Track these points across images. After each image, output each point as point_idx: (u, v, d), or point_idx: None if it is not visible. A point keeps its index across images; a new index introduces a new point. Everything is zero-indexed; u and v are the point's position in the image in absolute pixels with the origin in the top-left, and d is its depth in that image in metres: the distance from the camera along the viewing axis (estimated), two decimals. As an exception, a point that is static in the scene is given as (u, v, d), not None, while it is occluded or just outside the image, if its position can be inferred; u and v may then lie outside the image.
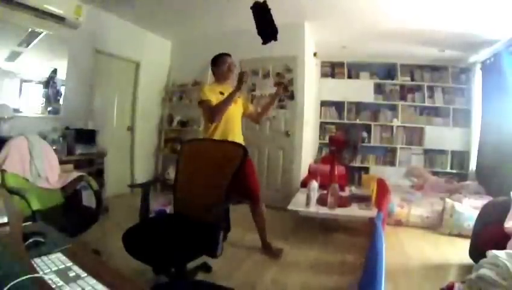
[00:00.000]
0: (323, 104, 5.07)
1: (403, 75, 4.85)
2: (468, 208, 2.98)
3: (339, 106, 5.02)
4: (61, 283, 0.65)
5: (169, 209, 3.01)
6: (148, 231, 1.57)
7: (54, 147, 2.50)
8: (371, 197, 2.93)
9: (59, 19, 2.99)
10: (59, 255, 0.79)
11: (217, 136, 2.18)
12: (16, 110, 2.80)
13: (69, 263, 0.75)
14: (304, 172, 3.84)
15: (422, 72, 4.83)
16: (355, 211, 2.68)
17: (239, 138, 2.25)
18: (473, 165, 4.37)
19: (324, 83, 5.03)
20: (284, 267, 2.20)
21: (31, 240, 0.83)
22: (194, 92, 4.39)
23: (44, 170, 2.15)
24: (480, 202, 2.81)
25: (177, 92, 4.66)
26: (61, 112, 3.28)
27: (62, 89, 3.28)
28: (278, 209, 3.05)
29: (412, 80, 4.85)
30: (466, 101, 4.61)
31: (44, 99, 3.14)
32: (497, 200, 2.34)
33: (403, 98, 4.85)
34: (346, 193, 3.18)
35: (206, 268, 2.00)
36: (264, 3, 2.38)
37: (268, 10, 2.40)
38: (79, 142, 3.11)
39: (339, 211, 2.60)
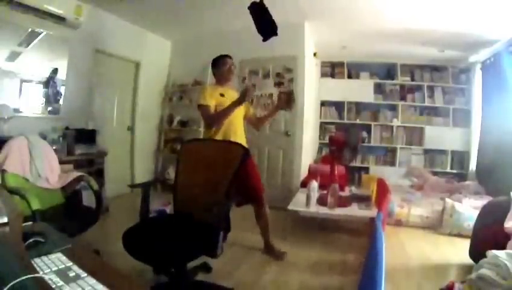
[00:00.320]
0: (323, 104, 5.07)
1: (403, 75, 4.85)
2: (468, 208, 2.98)
3: (339, 106, 5.02)
4: (61, 283, 0.65)
5: (169, 209, 3.02)
6: (148, 231, 1.57)
7: (54, 147, 2.49)
8: (371, 197, 2.93)
9: (59, 19, 2.99)
10: (59, 255, 0.79)
11: (218, 137, 2.16)
12: (16, 110, 2.80)
13: (69, 263, 0.75)
14: (304, 172, 3.84)
15: (422, 72, 4.83)
16: (355, 211, 2.68)
17: (241, 139, 2.22)
18: (473, 165, 4.37)
19: (324, 83, 5.03)
20: (284, 267, 2.20)
21: (31, 240, 0.83)
22: (194, 92, 4.39)
23: (44, 170, 2.15)
24: (480, 202, 2.82)
25: (177, 92, 4.66)
26: (61, 112, 3.27)
27: (62, 89, 3.28)
28: (278, 209, 3.04)
29: (412, 80, 4.85)
30: (466, 101, 4.62)
31: (44, 99, 3.14)
32: (497, 200, 2.34)
33: (403, 98, 4.86)
34: (346, 193, 3.17)
35: (206, 268, 2.01)
36: (261, 2, 2.39)
37: (266, 9, 2.41)
38: (79, 142, 3.11)
39: (339, 211, 2.60)
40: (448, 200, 3.15)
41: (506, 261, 1.44)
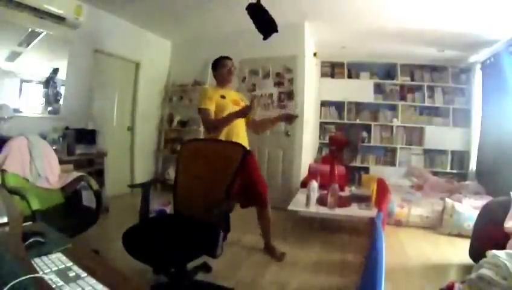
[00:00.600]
0: (323, 104, 5.07)
1: (403, 75, 4.86)
2: (468, 208, 2.98)
3: (339, 106, 5.02)
4: (61, 283, 0.65)
5: (169, 209, 3.01)
6: (148, 231, 1.57)
7: (54, 147, 2.50)
8: (371, 197, 2.92)
9: (59, 19, 2.99)
10: (59, 255, 0.80)
11: (221, 139, 2.14)
12: (16, 110, 2.80)
13: (69, 263, 0.75)
14: (304, 172, 3.84)
15: (422, 72, 4.83)
16: (355, 211, 2.68)
17: (243, 141, 2.19)
18: (473, 165, 4.38)
19: (324, 83, 5.03)
20: (284, 267, 2.20)
21: (31, 240, 0.83)
22: (194, 92, 4.40)
23: (44, 170, 2.15)
24: (480, 202, 2.81)
25: (177, 92, 4.66)
26: (61, 112, 3.28)
27: (62, 89, 3.28)
28: (278, 209, 3.04)
29: (412, 80, 4.85)
30: (466, 101, 4.62)
31: (44, 99, 3.14)
32: (497, 200, 2.34)
33: (402, 98, 4.86)
34: (346, 193, 3.17)
35: (206, 268, 2.00)
36: (258, 2, 2.39)
37: (264, 8, 2.41)
38: (79, 142, 3.11)
39: (339, 211, 2.60)
40: (448, 200, 3.15)
41: (506, 261, 1.44)
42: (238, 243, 2.56)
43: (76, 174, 2.26)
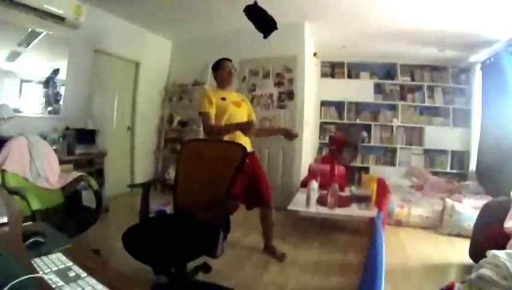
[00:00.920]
0: (323, 104, 5.08)
1: (403, 75, 4.86)
2: (468, 208, 2.98)
3: (339, 106, 5.03)
4: (61, 283, 0.65)
5: (169, 209, 3.01)
6: (148, 231, 1.57)
7: (54, 147, 2.50)
8: (371, 197, 2.92)
9: (59, 19, 2.99)
10: (59, 255, 0.79)
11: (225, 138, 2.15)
12: (16, 110, 2.80)
13: (69, 263, 0.75)
14: (304, 172, 3.84)
15: (422, 72, 4.84)
16: (355, 211, 2.68)
17: (246, 143, 2.16)
18: (473, 165, 4.38)
19: (324, 83, 5.03)
20: (283, 268, 2.20)
21: (31, 240, 0.83)
22: (194, 92, 4.40)
23: (44, 170, 2.15)
24: (480, 202, 2.81)
25: (177, 92, 4.66)
26: (61, 112, 3.27)
27: (62, 89, 3.28)
28: (278, 209, 3.04)
29: (412, 80, 4.86)
30: (466, 101, 4.62)
31: (44, 100, 3.14)
32: (497, 200, 2.34)
33: (402, 98, 4.86)
34: (346, 193, 3.17)
35: (206, 268, 2.00)
36: (255, 4, 2.39)
37: (261, 9, 2.41)
38: (79, 142, 3.11)
39: (339, 211, 2.60)
40: (448, 200, 3.15)
41: (506, 261, 1.44)
42: (238, 243, 2.56)
43: (76, 174, 2.26)
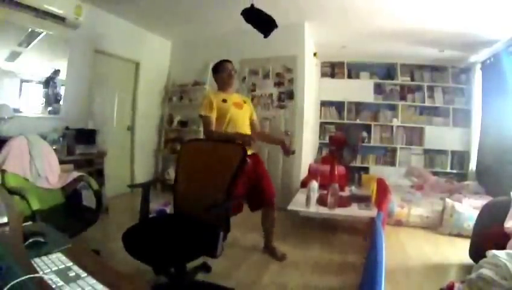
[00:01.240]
0: (323, 104, 5.08)
1: (403, 75, 4.86)
2: (468, 208, 2.98)
3: (339, 106, 5.03)
4: (61, 283, 0.65)
5: (169, 209, 3.01)
6: (148, 231, 1.57)
7: (54, 147, 2.50)
8: (371, 197, 2.93)
9: (59, 19, 2.99)
10: (59, 255, 0.79)
11: None
12: (16, 110, 2.80)
13: (69, 263, 0.75)
14: (304, 172, 3.84)
15: (422, 72, 4.84)
16: (355, 211, 2.68)
17: None
18: (473, 165, 4.38)
19: (324, 83, 5.03)
20: (283, 267, 2.20)
21: (31, 240, 0.83)
22: (194, 92, 4.41)
23: (44, 170, 2.15)
24: (480, 202, 2.81)
25: (177, 92, 4.66)
26: (61, 112, 3.27)
27: (62, 89, 3.27)
28: (278, 209, 3.04)
29: (412, 80, 4.86)
30: (466, 101, 4.62)
31: (44, 100, 3.14)
32: (497, 200, 2.34)
33: (402, 98, 4.86)
34: (346, 193, 3.17)
35: (206, 268, 2.01)
36: (252, 7, 2.39)
37: (258, 10, 2.41)
38: (79, 142, 3.11)
39: (339, 211, 2.60)
40: (448, 200, 3.15)
41: (506, 261, 1.44)
42: (238, 243, 2.56)
43: (76, 174, 2.26)
